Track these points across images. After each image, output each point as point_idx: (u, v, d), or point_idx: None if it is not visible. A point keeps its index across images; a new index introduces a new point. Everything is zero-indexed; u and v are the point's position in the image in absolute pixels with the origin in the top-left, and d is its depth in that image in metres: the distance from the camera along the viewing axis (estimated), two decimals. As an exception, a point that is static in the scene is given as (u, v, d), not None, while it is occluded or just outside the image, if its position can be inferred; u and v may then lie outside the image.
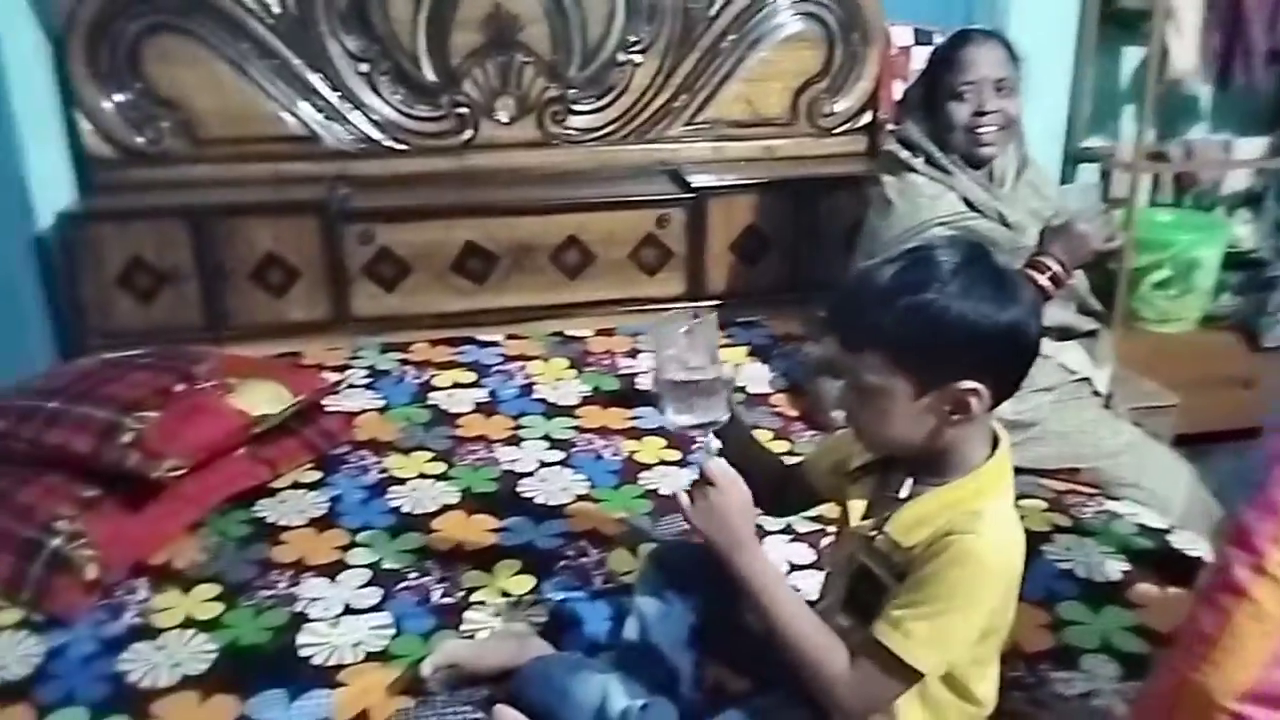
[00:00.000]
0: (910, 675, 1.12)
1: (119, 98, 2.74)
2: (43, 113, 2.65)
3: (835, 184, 2.88)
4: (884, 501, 1.21)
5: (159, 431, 1.86)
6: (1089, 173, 3.38)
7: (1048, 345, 2.08)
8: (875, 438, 1.20)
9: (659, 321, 1.29)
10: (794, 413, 2.36)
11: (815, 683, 1.16)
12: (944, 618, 1.10)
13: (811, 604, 1.37)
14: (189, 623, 1.65)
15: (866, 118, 3.16)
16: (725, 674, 1.49)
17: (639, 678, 1.39)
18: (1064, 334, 2.14)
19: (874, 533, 1.19)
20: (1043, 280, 1.91)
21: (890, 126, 2.68)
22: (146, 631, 1.62)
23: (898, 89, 2.96)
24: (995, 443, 1.20)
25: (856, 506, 1.25)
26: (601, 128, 3.06)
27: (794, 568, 1.76)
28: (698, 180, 2.91)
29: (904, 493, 1.19)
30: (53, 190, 2.66)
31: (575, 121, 3.04)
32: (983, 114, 2.03)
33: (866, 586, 1.20)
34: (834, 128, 3.16)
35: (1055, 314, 2.07)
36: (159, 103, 2.78)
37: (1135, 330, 3.24)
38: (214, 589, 1.73)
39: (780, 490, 1.43)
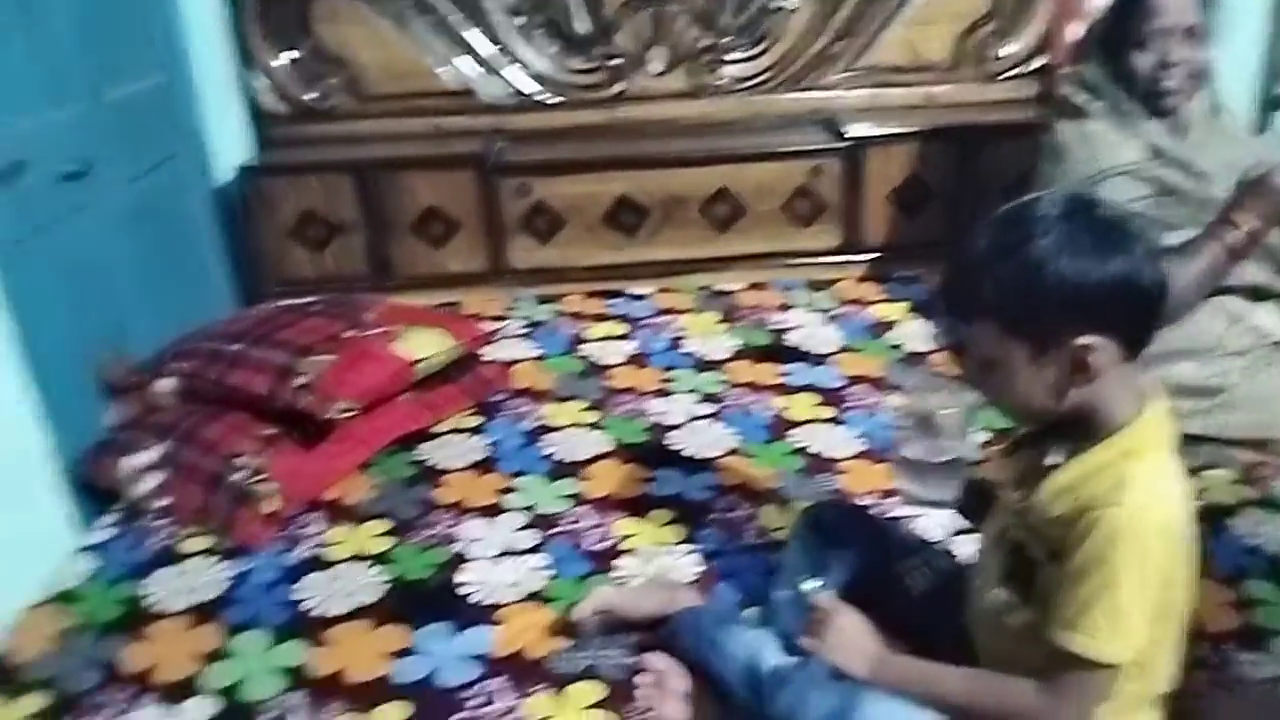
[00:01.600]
0: (1107, 670, 1.07)
1: (290, 56, 2.86)
2: (221, 73, 2.79)
3: (1001, 132, 2.76)
4: (1036, 471, 1.17)
5: (331, 375, 1.95)
6: (1288, 119, 3.10)
7: (1240, 305, 1.94)
8: (1008, 408, 1.16)
9: (919, 390, 1.28)
10: (955, 371, 2.29)
11: None
12: (1117, 600, 1.04)
13: (969, 570, 1.34)
14: (360, 556, 1.74)
15: (1038, 61, 3.00)
16: (885, 635, 1.46)
17: (790, 635, 1.39)
18: (1259, 294, 1.98)
19: (1024, 504, 1.15)
20: (1234, 236, 1.77)
21: (1067, 69, 2.52)
22: (321, 563, 1.73)
23: (1073, 30, 2.79)
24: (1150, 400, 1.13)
25: (1010, 479, 1.21)
26: (754, 77, 3.01)
27: (957, 533, 1.72)
28: (854, 129, 2.83)
29: (1052, 460, 1.14)
30: (232, 146, 2.81)
31: (728, 71, 3.00)
32: (1168, 65, 1.88)
33: (1020, 562, 1.16)
34: (1001, 72, 3.01)
35: (1249, 272, 1.92)
36: (327, 60, 2.89)
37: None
38: (382, 525, 1.82)
39: None
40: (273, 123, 2.92)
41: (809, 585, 1.35)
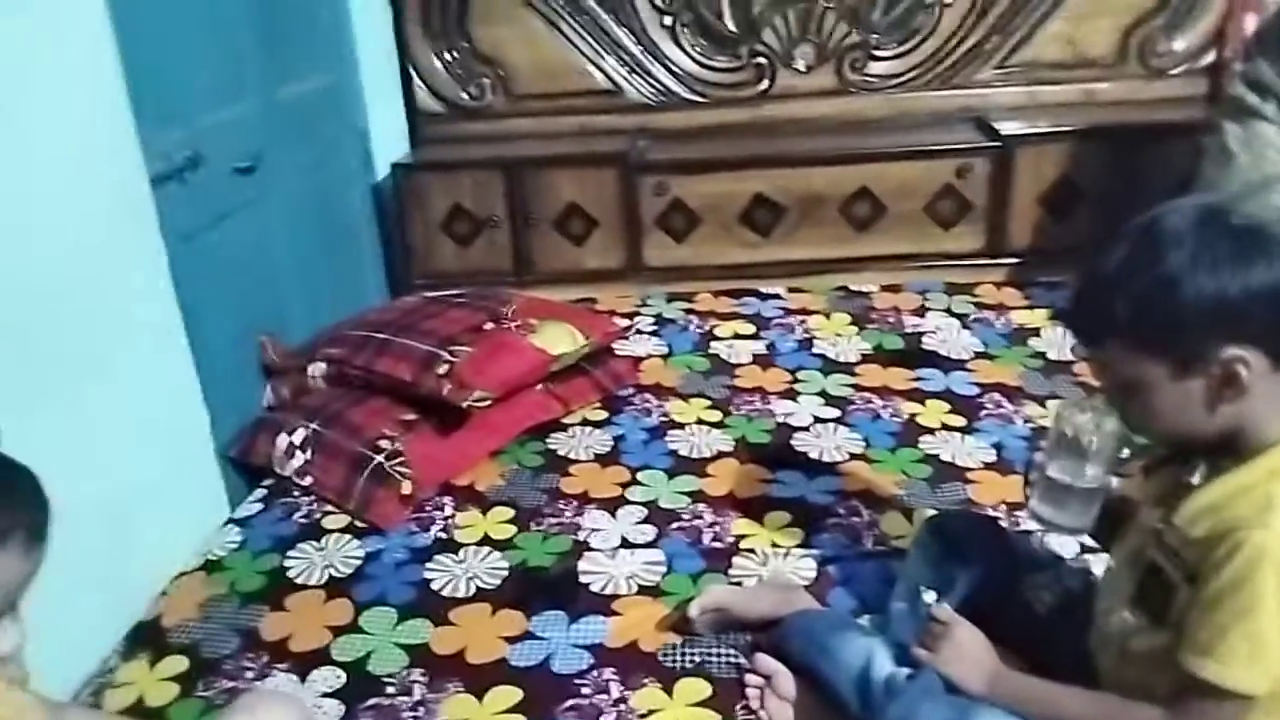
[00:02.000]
0: (1241, 700, 1.02)
1: (447, 56, 2.98)
2: (384, 73, 2.93)
3: (1165, 132, 2.61)
4: (1177, 491, 1.11)
5: (470, 365, 2.03)
6: None
7: None
8: (1152, 431, 1.11)
9: (1064, 406, 1.24)
10: (1098, 383, 2.18)
11: None
12: (1258, 627, 0.98)
13: (1096, 587, 1.28)
14: (486, 541, 1.81)
15: (1209, 57, 2.82)
16: (1003, 652, 1.42)
17: (905, 646, 1.36)
18: None
19: (1162, 525, 1.09)
20: None
21: (1238, 67, 2.37)
22: (449, 545, 1.80)
23: (1250, 23, 2.61)
24: None
25: (1148, 497, 1.16)
26: (903, 73, 2.95)
27: (1084, 550, 1.65)
28: (1006, 127, 2.74)
29: (1196, 479, 1.08)
30: (390, 143, 2.94)
31: (875, 68, 2.95)
32: None
33: (1155, 584, 1.10)
34: (1168, 69, 2.86)
35: None
36: (481, 60, 2.99)
37: None
38: (508, 512, 1.88)
39: None
40: (428, 120, 3.04)
41: (928, 596, 1.32)
